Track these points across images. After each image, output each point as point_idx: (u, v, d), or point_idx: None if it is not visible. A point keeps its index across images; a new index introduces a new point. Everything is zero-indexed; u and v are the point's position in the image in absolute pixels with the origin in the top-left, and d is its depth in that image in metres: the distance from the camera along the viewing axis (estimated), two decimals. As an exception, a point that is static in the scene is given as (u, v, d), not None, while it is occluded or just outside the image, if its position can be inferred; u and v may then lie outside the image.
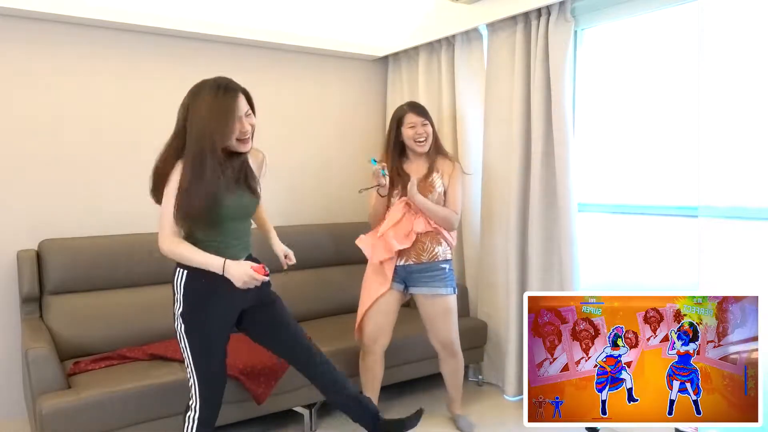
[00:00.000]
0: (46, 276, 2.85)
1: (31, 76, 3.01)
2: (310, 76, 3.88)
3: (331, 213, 3.94)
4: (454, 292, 2.81)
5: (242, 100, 1.91)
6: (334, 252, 3.61)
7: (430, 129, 2.83)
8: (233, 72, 3.55)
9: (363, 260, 2.99)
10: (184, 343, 1.99)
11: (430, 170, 2.81)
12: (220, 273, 1.86)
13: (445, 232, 2.78)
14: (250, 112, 1.95)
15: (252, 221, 2.20)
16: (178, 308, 1.97)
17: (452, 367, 2.94)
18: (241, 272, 1.86)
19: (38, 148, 3.04)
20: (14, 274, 2.93)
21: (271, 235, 2.35)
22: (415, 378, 3.27)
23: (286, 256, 2.33)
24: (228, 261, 1.87)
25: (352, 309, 3.16)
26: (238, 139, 1.91)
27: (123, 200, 3.25)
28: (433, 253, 2.75)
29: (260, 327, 2.18)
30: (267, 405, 2.67)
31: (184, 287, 1.95)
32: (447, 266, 2.79)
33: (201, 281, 1.93)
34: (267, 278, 1.91)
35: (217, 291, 1.95)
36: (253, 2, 3.53)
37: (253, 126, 1.95)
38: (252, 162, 2.09)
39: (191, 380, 2.01)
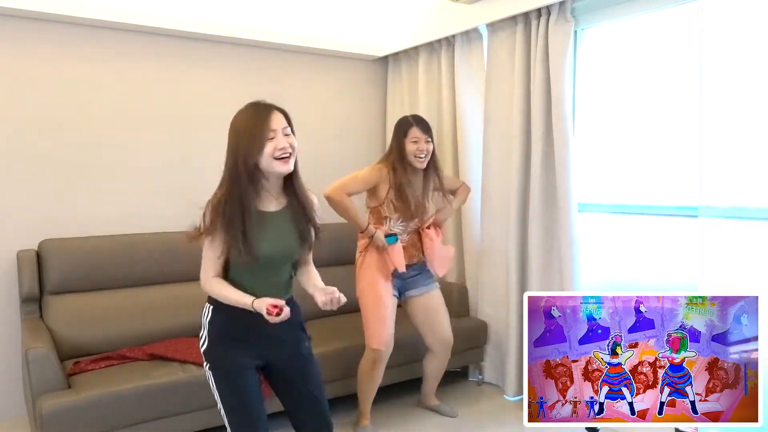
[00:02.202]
0: (46, 276, 2.86)
1: (32, 76, 3.01)
2: (310, 76, 3.88)
3: (331, 213, 3.93)
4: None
5: (277, 116, 1.78)
6: (334, 252, 3.61)
7: (431, 147, 2.87)
8: (233, 72, 3.59)
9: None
10: (212, 382, 1.87)
11: (426, 189, 2.91)
12: (251, 309, 1.76)
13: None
14: (288, 131, 1.79)
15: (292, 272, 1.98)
16: (203, 345, 1.88)
17: (442, 363, 3.03)
18: (263, 306, 1.73)
19: (38, 149, 3.04)
20: (14, 274, 2.93)
21: (314, 281, 1.96)
22: (408, 380, 3.26)
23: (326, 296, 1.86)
24: (257, 301, 1.74)
25: (352, 309, 3.15)
26: (275, 158, 1.76)
27: (123, 200, 3.26)
28: (418, 257, 2.94)
29: (281, 389, 2.00)
30: (267, 405, 2.67)
31: (209, 324, 1.87)
32: (428, 269, 2.99)
33: (225, 315, 1.85)
34: (277, 318, 1.71)
35: (240, 328, 1.86)
36: (253, 2, 3.53)
37: (292, 146, 1.78)
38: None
39: (226, 426, 1.89)
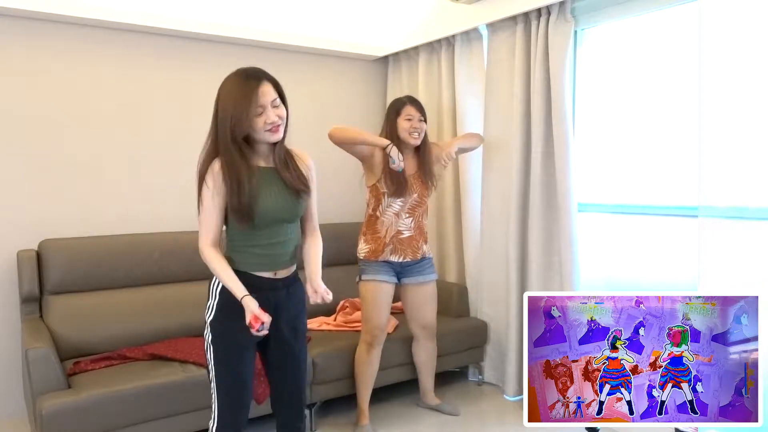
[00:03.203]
0: (46, 276, 2.85)
1: (32, 76, 3.01)
2: (310, 76, 3.89)
3: (331, 213, 3.94)
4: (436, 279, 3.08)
5: (267, 87, 1.81)
6: (334, 252, 3.59)
7: (424, 126, 2.92)
8: (233, 72, 3.58)
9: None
10: (210, 353, 1.90)
11: (427, 169, 2.94)
12: (239, 300, 1.80)
13: (427, 233, 3.04)
14: (278, 102, 1.83)
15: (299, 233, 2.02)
16: (209, 315, 1.90)
17: (430, 352, 3.07)
18: (248, 312, 1.78)
19: (38, 149, 3.04)
20: (14, 274, 2.93)
21: (311, 267, 2.00)
22: (407, 380, 3.26)
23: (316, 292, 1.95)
24: (247, 297, 1.79)
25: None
26: (266, 131, 1.81)
27: (123, 200, 3.26)
28: (423, 250, 2.98)
29: (270, 362, 2.03)
30: (266, 405, 2.67)
31: (220, 294, 1.88)
32: (431, 258, 3.07)
33: None
34: (258, 333, 1.77)
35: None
36: (253, 2, 3.53)
37: (281, 117, 1.83)
38: (300, 165, 1.98)
39: (212, 397, 1.92)
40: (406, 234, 2.89)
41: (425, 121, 2.94)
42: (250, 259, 1.88)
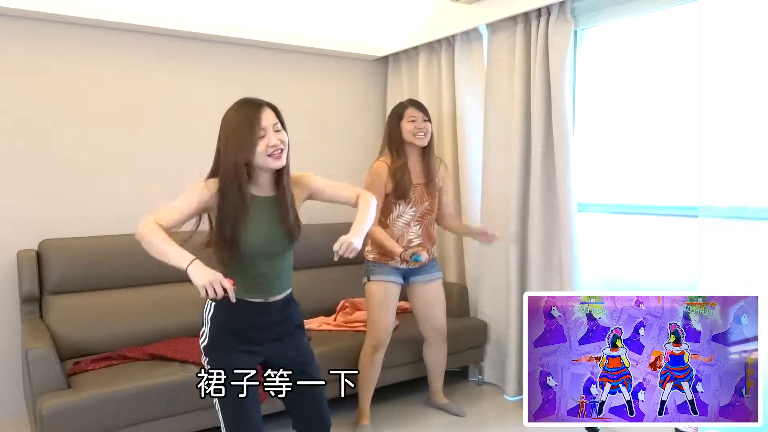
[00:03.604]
0: (46, 276, 2.85)
1: (32, 76, 3.01)
2: (310, 76, 3.88)
3: (331, 213, 3.94)
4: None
5: (267, 114, 1.80)
6: (334, 252, 3.60)
7: (429, 126, 2.89)
8: (233, 72, 3.58)
9: (362, 260, 3.00)
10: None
11: (432, 175, 2.92)
12: (183, 269, 1.70)
13: (435, 237, 3.03)
14: (279, 127, 1.82)
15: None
16: (203, 341, 1.88)
17: (441, 354, 3.06)
18: (205, 273, 1.64)
19: (38, 149, 3.04)
20: (14, 274, 2.93)
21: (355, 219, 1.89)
22: (408, 380, 3.27)
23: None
24: (195, 264, 1.68)
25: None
26: (268, 155, 1.79)
27: (123, 200, 3.25)
28: (431, 252, 2.99)
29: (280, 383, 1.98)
30: (267, 405, 2.67)
31: (211, 319, 1.86)
32: (435, 257, 3.08)
33: (227, 312, 1.84)
34: (225, 294, 1.63)
35: (241, 325, 1.86)
36: (254, 2, 3.53)
37: (283, 141, 1.81)
38: (297, 191, 1.93)
39: (220, 422, 1.89)
40: (416, 242, 2.89)
41: (430, 121, 2.90)
42: (238, 287, 1.76)
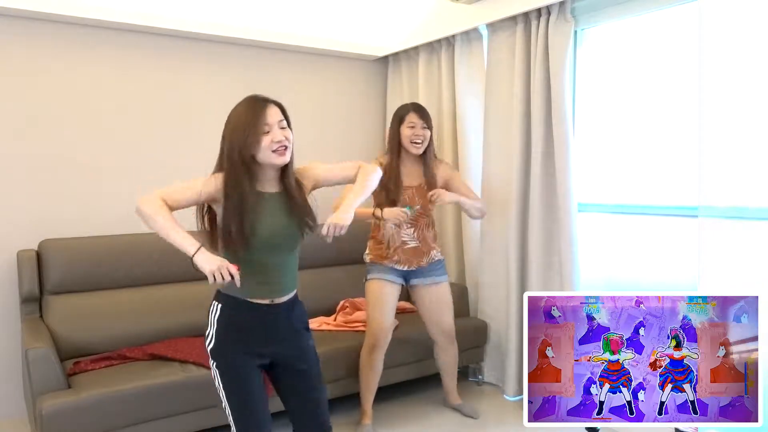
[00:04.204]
0: (46, 276, 2.85)
1: (32, 76, 3.01)
2: (310, 76, 3.88)
3: (328, 213, 3.93)
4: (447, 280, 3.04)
5: (273, 110, 1.83)
6: (334, 252, 3.61)
7: (428, 134, 2.89)
8: (233, 72, 3.58)
9: (363, 260, 3.00)
10: (217, 381, 1.88)
11: (431, 181, 2.91)
12: (190, 256, 1.70)
13: (435, 240, 3.01)
14: (284, 124, 1.84)
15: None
16: (209, 343, 1.88)
17: (452, 355, 3.06)
18: (213, 259, 1.68)
19: (38, 148, 3.04)
20: (14, 274, 2.93)
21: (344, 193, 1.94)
22: (409, 380, 3.27)
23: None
24: (201, 252, 1.69)
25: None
26: (272, 151, 1.80)
27: (123, 200, 3.25)
28: (431, 255, 2.96)
29: (283, 387, 1.99)
30: (269, 404, 2.67)
31: (218, 321, 1.86)
32: (442, 260, 3.03)
33: (233, 313, 1.84)
34: (230, 278, 1.68)
35: (247, 327, 1.86)
36: (253, 2, 3.53)
37: (288, 138, 1.82)
38: (303, 182, 1.94)
39: (230, 423, 1.89)
40: (412, 245, 2.89)
41: (429, 128, 2.90)
42: (245, 287, 1.80)
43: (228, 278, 1.67)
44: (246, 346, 1.86)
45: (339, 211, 1.87)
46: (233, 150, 1.79)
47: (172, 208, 1.80)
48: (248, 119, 1.79)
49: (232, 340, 1.86)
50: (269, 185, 1.88)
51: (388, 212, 2.72)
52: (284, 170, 1.88)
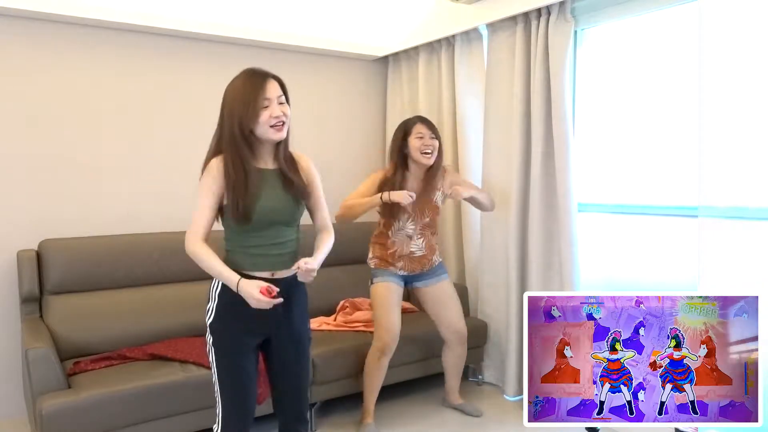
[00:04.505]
0: (46, 276, 2.85)
1: (32, 76, 3.01)
2: (310, 76, 3.89)
3: (331, 213, 3.93)
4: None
5: (272, 85, 1.84)
6: (334, 252, 3.59)
7: (437, 143, 2.88)
8: (233, 72, 3.55)
9: (363, 260, 3.00)
10: (211, 356, 1.91)
11: (432, 188, 2.91)
12: (235, 289, 1.79)
13: (437, 245, 3.05)
14: (283, 99, 1.86)
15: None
16: (209, 318, 1.90)
17: (459, 355, 3.06)
18: (251, 292, 1.76)
19: (38, 148, 3.04)
20: (14, 274, 2.93)
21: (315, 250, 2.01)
22: (411, 379, 3.27)
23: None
24: (243, 280, 1.78)
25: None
26: (270, 126, 1.82)
27: (123, 200, 3.26)
28: (432, 260, 2.99)
29: (272, 367, 2.02)
30: (267, 405, 2.67)
31: (219, 296, 1.88)
32: (441, 261, 3.07)
33: (235, 293, 1.84)
34: (274, 301, 1.77)
35: (246, 306, 1.85)
36: (253, 2, 3.53)
37: (286, 114, 1.85)
38: (299, 164, 1.99)
39: (216, 400, 1.93)
40: (419, 254, 2.92)
41: (438, 138, 2.89)
42: (246, 259, 1.87)
43: (267, 301, 1.76)
44: (244, 324, 1.88)
45: (312, 258, 1.91)
46: (233, 123, 1.81)
47: (207, 234, 1.85)
48: (247, 92, 1.80)
49: (231, 316, 1.88)
50: (265, 161, 1.91)
51: (396, 195, 2.71)
52: (278, 146, 1.91)
